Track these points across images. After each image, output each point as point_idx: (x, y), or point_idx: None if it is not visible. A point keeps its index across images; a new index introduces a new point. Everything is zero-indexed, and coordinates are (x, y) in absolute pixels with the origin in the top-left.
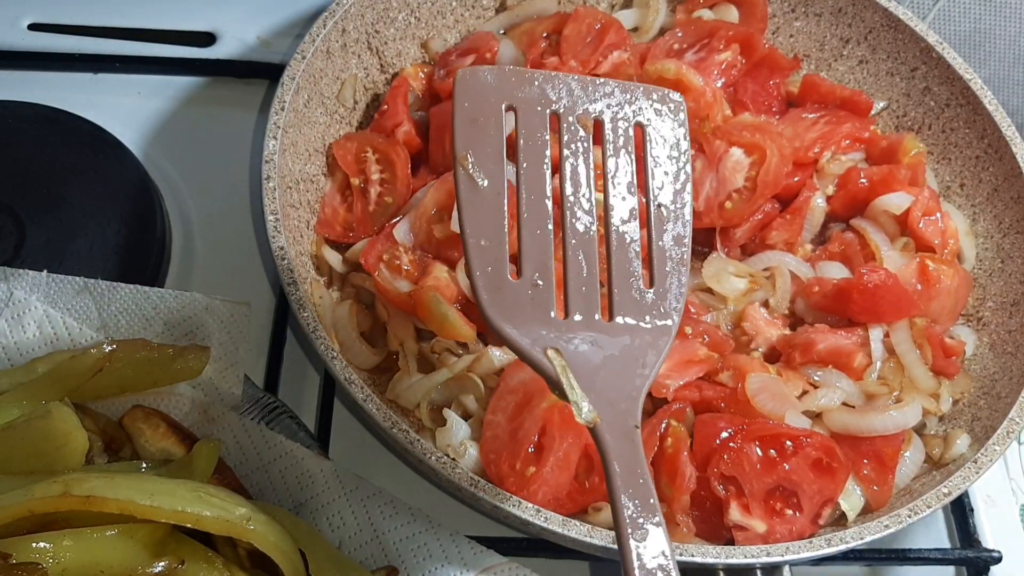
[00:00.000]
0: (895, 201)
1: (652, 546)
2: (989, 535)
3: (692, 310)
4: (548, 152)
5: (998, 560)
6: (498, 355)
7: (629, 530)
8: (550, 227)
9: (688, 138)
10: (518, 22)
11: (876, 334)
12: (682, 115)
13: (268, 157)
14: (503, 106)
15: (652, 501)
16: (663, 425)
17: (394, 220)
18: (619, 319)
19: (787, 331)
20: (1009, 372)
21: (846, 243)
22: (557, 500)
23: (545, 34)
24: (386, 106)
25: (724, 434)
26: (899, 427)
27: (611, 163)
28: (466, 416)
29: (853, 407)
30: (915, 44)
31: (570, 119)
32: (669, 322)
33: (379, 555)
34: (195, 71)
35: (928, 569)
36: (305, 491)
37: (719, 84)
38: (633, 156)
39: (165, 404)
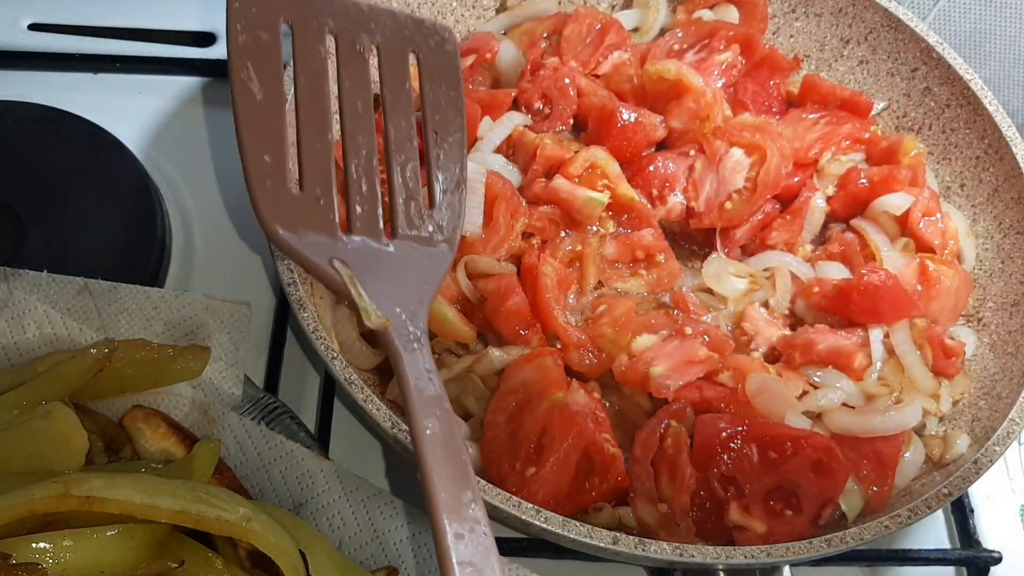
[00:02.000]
0: (895, 201)
1: (441, 427)
2: (989, 535)
3: (692, 310)
4: (327, 68)
5: (998, 560)
6: (498, 355)
7: (420, 417)
8: (331, 142)
9: (459, 66)
10: (518, 22)
11: (876, 334)
12: (452, 45)
13: None
14: (280, 20)
15: (438, 395)
16: (663, 425)
17: None
18: (401, 234)
19: (787, 331)
20: (1009, 373)
21: (846, 243)
22: (557, 500)
23: (545, 34)
24: None
25: (724, 434)
26: (899, 428)
27: (387, 87)
28: (466, 416)
29: (853, 408)
30: (915, 44)
31: (346, 40)
32: (449, 239)
33: (379, 555)
34: (195, 71)
35: (928, 569)
36: (305, 491)
37: (719, 84)
38: (408, 82)
39: (165, 404)
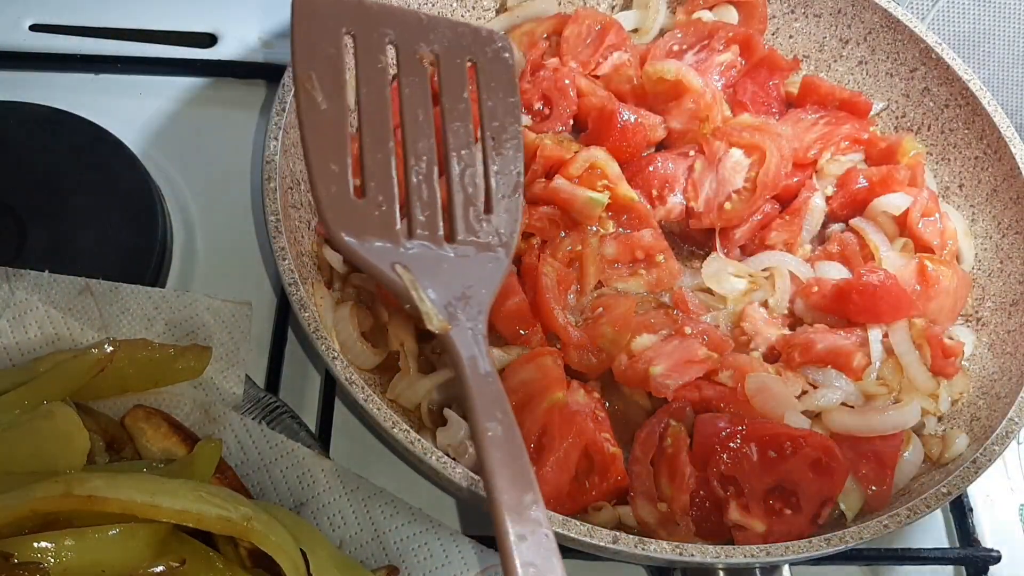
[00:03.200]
0: (894, 202)
1: (503, 429)
2: (988, 535)
3: (692, 310)
4: (388, 78)
5: (997, 560)
6: (498, 355)
7: (482, 419)
8: (392, 149)
9: (516, 76)
10: (518, 23)
11: (875, 334)
12: (509, 54)
13: (269, 158)
14: (342, 31)
15: (499, 397)
16: (663, 424)
17: None
18: (460, 239)
19: (786, 331)
20: (1008, 372)
21: (845, 243)
22: (557, 500)
23: (545, 35)
24: None
25: (724, 434)
26: (898, 427)
27: (446, 94)
28: (466, 416)
29: (852, 407)
30: (914, 45)
31: (407, 49)
32: (506, 244)
33: (380, 555)
34: (196, 72)
35: (927, 569)
36: (306, 491)
37: (719, 85)
38: (467, 89)
39: (166, 404)
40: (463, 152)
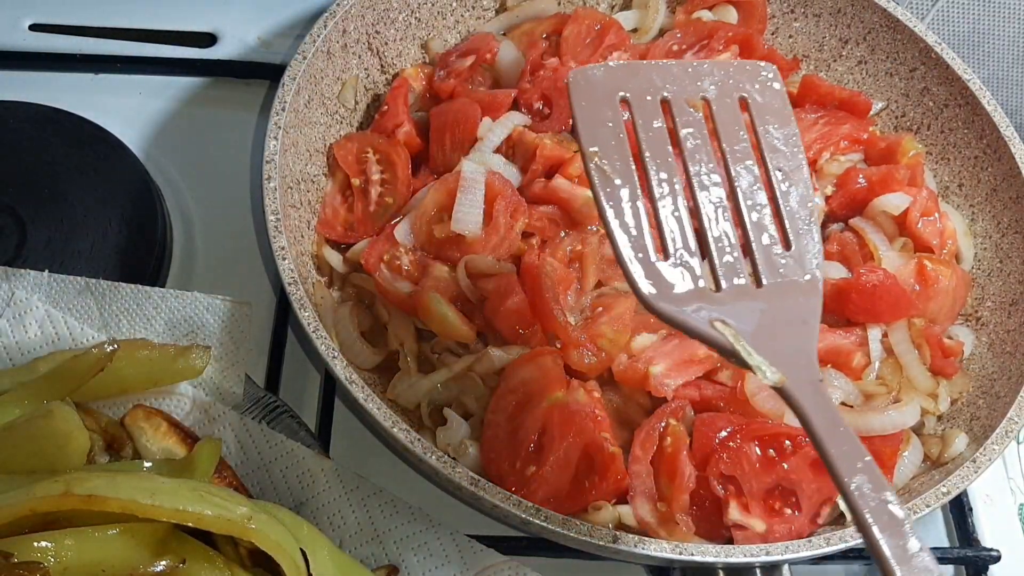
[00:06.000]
0: (894, 201)
1: (869, 479)
2: (988, 534)
3: None
4: (667, 134)
5: (997, 559)
6: (498, 355)
7: (845, 476)
8: (684, 206)
9: (787, 100)
10: (518, 23)
11: (874, 334)
12: (778, 83)
13: (269, 157)
14: (617, 97)
15: (857, 445)
16: (662, 424)
17: (395, 220)
18: (767, 283)
19: None
20: (1007, 372)
21: (845, 243)
22: (557, 499)
23: (545, 35)
24: (387, 106)
25: (723, 433)
26: (897, 427)
27: (725, 137)
28: (466, 415)
29: (852, 407)
30: (914, 44)
31: (679, 100)
32: (814, 278)
33: (379, 554)
34: (196, 72)
35: None
36: (306, 490)
37: None
38: (744, 127)
39: (166, 404)
40: (752, 192)
